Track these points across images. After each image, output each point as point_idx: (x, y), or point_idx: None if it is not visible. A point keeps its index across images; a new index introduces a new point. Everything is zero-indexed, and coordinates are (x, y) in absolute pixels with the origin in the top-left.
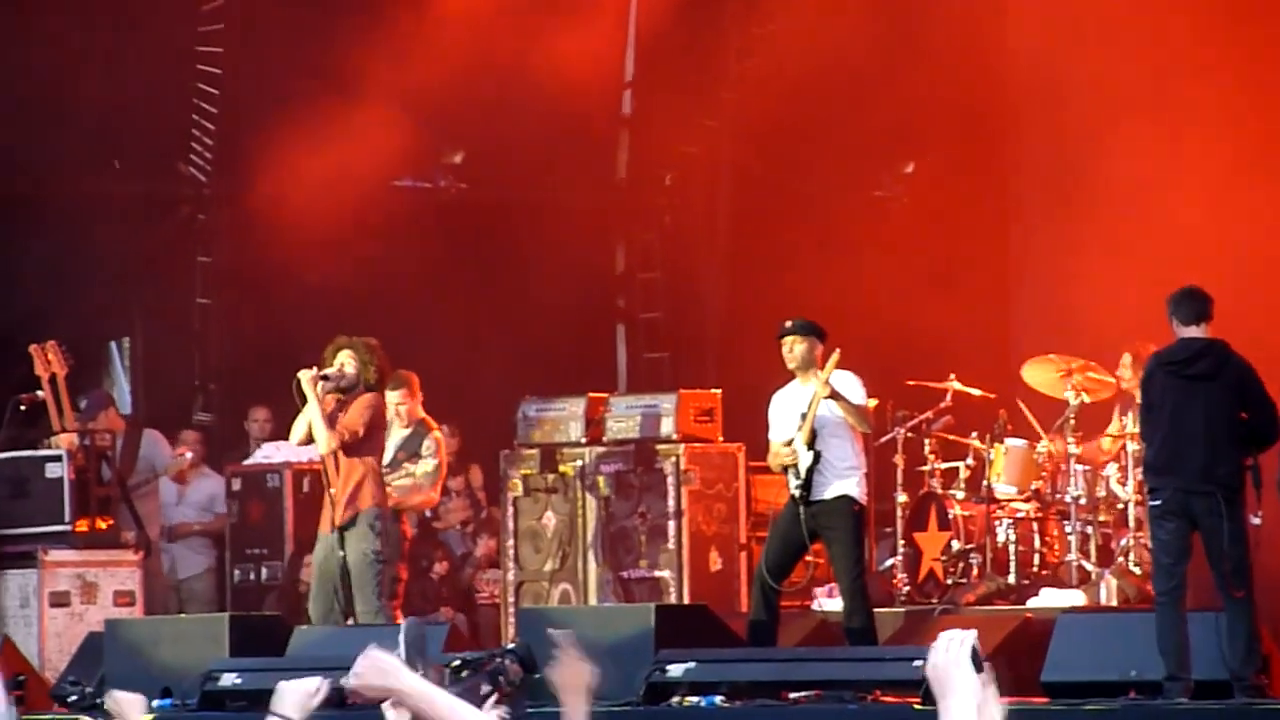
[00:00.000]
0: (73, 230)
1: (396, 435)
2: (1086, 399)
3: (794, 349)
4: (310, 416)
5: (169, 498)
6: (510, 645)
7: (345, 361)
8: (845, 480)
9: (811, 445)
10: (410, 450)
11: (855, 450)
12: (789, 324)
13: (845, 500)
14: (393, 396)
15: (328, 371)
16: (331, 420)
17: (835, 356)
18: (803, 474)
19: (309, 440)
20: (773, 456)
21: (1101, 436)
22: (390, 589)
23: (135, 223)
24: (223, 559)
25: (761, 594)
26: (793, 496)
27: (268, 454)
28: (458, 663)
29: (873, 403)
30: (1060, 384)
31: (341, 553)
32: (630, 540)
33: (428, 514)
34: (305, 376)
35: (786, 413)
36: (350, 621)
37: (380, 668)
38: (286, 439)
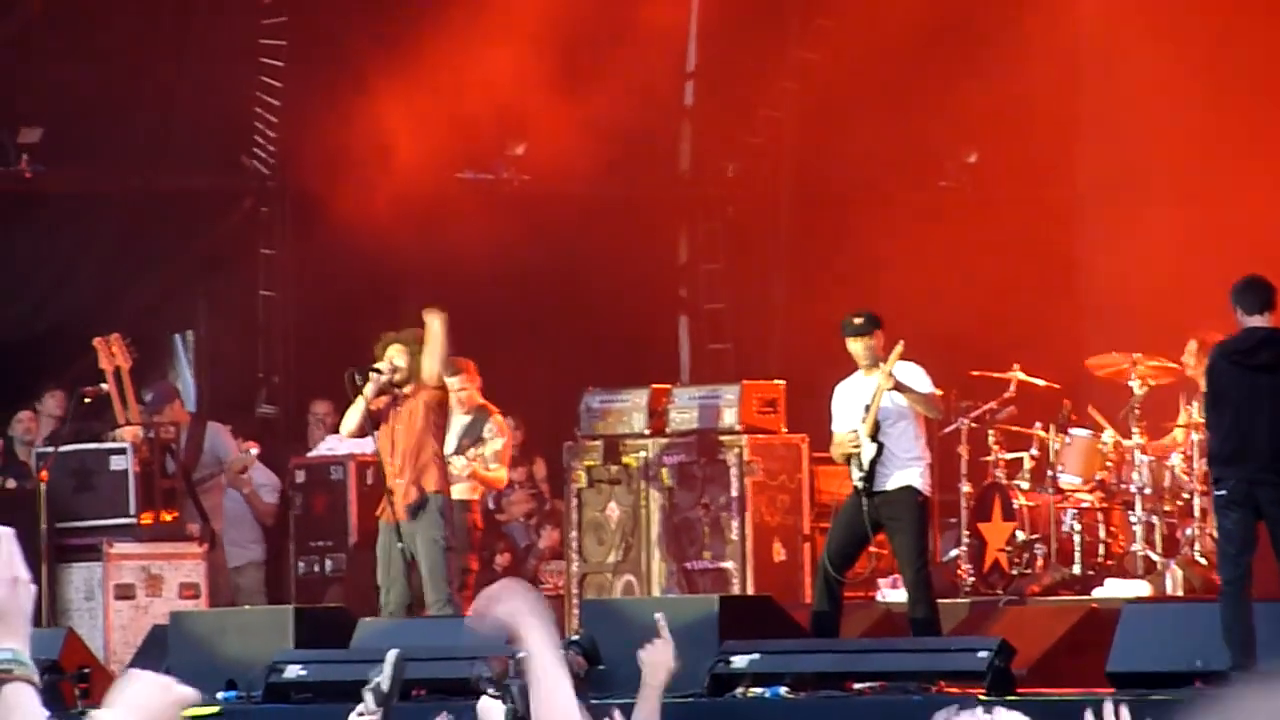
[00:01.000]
0: (137, 223)
1: (458, 423)
2: (1151, 383)
3: (870, 344)
4: (357, 408)
5: None
6: (575, 637)
7: (395, 356)
8: (909, 470)
9: (875, 437)
10: (473, 436)
11: (919, 441)
12: (857, 321)
13: (909, 491)
14: (452, 383)
15: (379, 366)
16: (382, 415)
17: (899, 348)
18: (865, 465)
19: (361, 433)
20: (836, 446)
21: (1173, 428)
22: (460, 579)
23: (199, 216)
24: (272, 551)
25: (825, 585)
26: (856, 488)
27: (331, 446)
28: (522, 654)
29: (938, 392)
30: (1124, 374)
31: (400, 544)
32: (694, 531)
33: (490, 505)
34: (357, 372)
35: (850, 403)
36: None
37: (516, 609)
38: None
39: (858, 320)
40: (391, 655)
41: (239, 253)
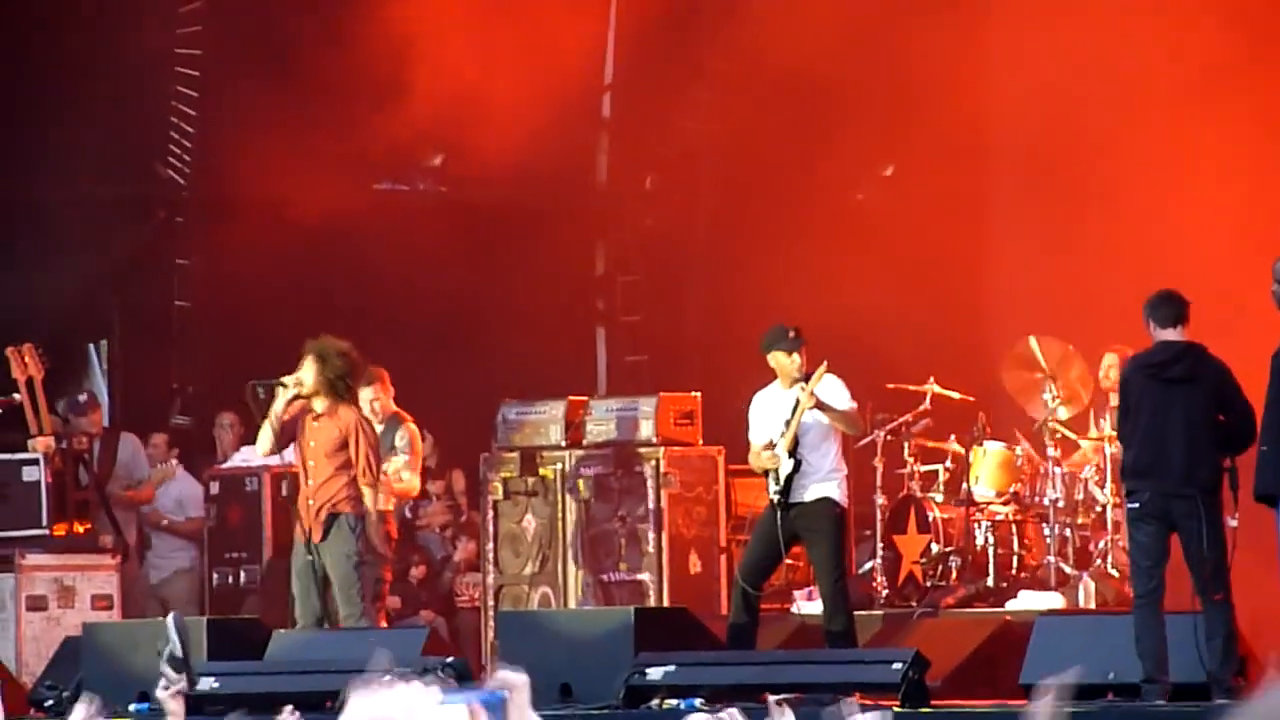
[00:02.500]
0: (50, 233)
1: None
2: (1063, 412)
3: (794, 360)
4: (268, 420)
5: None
6: (448, 660)
7: (304, 373)
8: (827, 483)
9: (793, 453)
10: (386, 445)
11: (837, 454)
12: (790, 335)
13: (827, 503)
14: (365, 394)
15: (285, 380)
16: (288, 429)
17: (823, 368)
18: (782, 480)
19: (275, 451)
20: (753, 458)
21: (1083, 440)
22: (375, 590)
23: (113, 225)
24: (200, 561)
25: (742, 597)
26: (772, 501)
27: (246, 457)
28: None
29: (856, 406)
30: (1037, 387)
31: (310, 557)
32: (610, 543)
33: (407, 514)
34: (259, 386)
35: (768, 415)
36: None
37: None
38: (254, 444)
39: (791, 334)
40: (170, 619)
41: (153, 262)
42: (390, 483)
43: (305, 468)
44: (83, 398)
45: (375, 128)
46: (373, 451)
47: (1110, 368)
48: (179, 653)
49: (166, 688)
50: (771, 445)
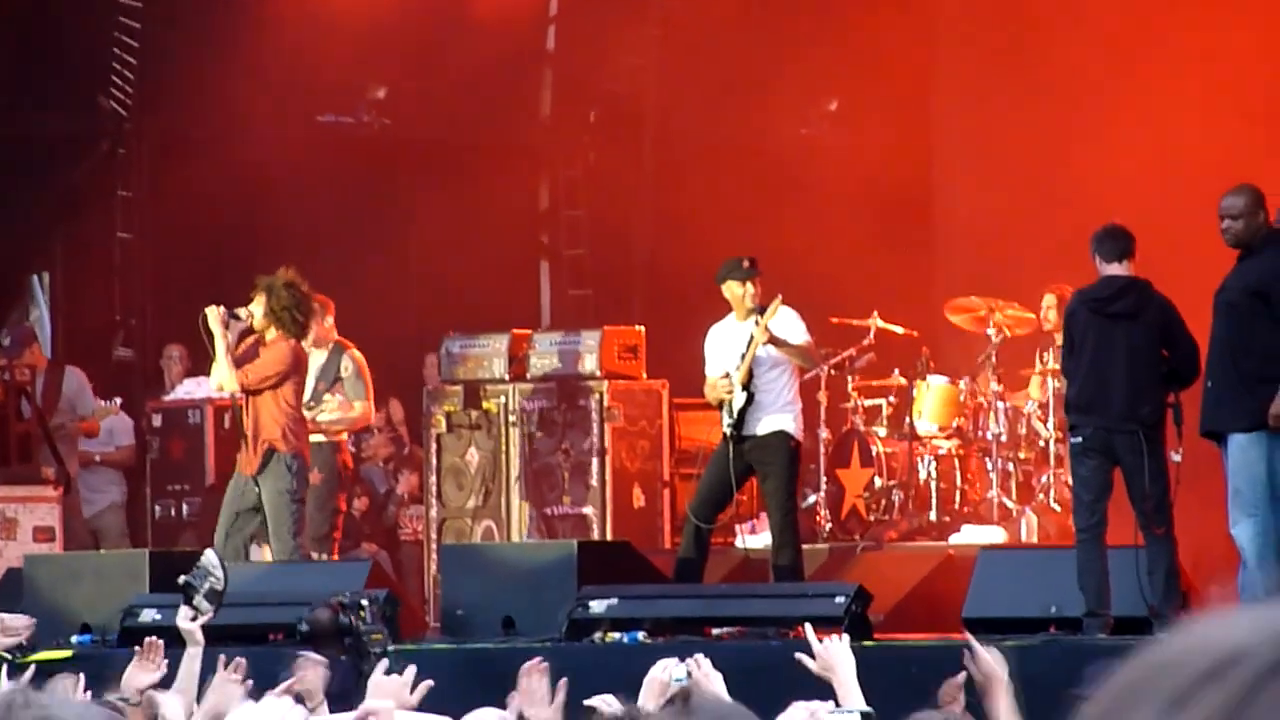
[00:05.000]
0: None
1: (314, 361)
2: (1008, 334)
3: (748, 290)
4: (217, 355)
5: None
6: (342, 598)
7: (256, 306)
8: (782, 416)
9: (746, 386)
10: (330, 375)
11: (792, 387)
12: (745, 265)
13: (781, 436)
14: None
15: (238, 311)
16: (239, 362)
17: (776, 302)
18: (735, 413)
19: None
20: (709, 389)
21: (1030, 376)
22: (330, 522)
23: (55, 158)
24: (131, 493)
25: (694, 532)
26: (725, 435)
27: (189, 390)
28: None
29: (812, 340)
30: (982, 322)
31: (257, 489)
32: (554, 477)
33: (351, 448)
34: (212, 315)
35: (723, 347)
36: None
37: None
38: (204, 374)
39: (745, 264)
40: (210, 553)
41: (96, 195)
42: (342, 414)
43: (248, 399)
44: (22, 330)
45: (318, 59)
46: (274, 372)
47: (1049, 308)
48: (220, 586)
49: (194, 618)
50: (727, 377)
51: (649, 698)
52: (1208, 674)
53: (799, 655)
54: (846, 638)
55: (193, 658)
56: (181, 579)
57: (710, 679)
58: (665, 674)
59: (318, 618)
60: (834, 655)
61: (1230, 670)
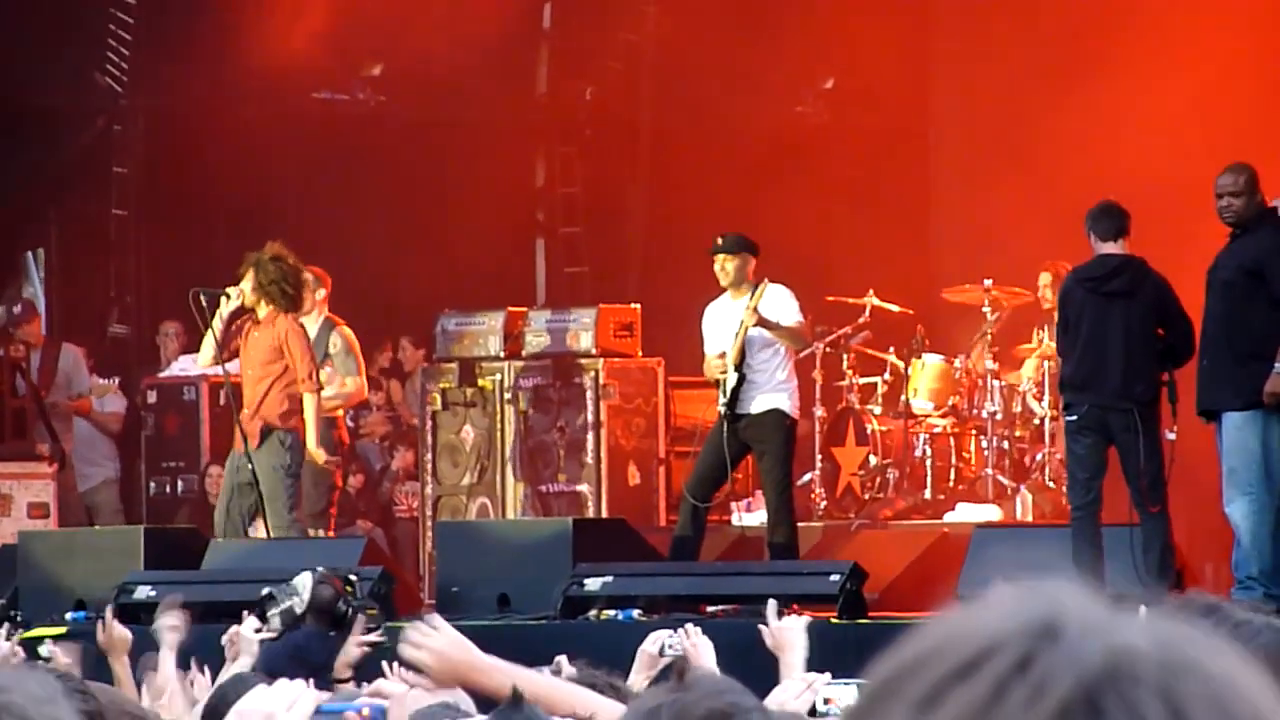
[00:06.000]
0: None
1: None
2: (1005, 306)
3: (725, 266)
4: (209, 339)
5: None
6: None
7: (245, 282)
8: (777, 394)
9: (740, 366)
10: (319, 351)
11: (786, 365)
12: (720, 240)
13: (777, 414)
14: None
15: (228, 290)
16: (230, 340)
17: (763, 287)
18: (728, 393)
19: (216, 363)
20: (707, 368)
21: (1025, 355)
22: (326, 498)
23: (51, 133)
24: (126, 470)
25: (690, 510)
26: (720, 414)
27: (184, 366)
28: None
29: (803, 320)
30: (978, 300)
31: (250, 465)
32: (549, 454)
33: (349, 423)
34: (204, 294)
35: (719, 326)
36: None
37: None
38: (197, 351)
39: (720, 240)
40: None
41: (91, 171)
42: (337, 392)
43: (244, 376)
44: (19, 307)
45: (313, 36)
46: (308, 356)
47: (1045, 286)
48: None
49: (259, 630)
50: (722, 356)
51: (640, 670)
52: (956, 672)
53: (760, 627)
54: (805, 619)
55: (166, 659)
56: (266, 589)
57: (700, 649)
58: (655, 646)
59: (320, 593)
60: (787, 634)
61: (979, 667)
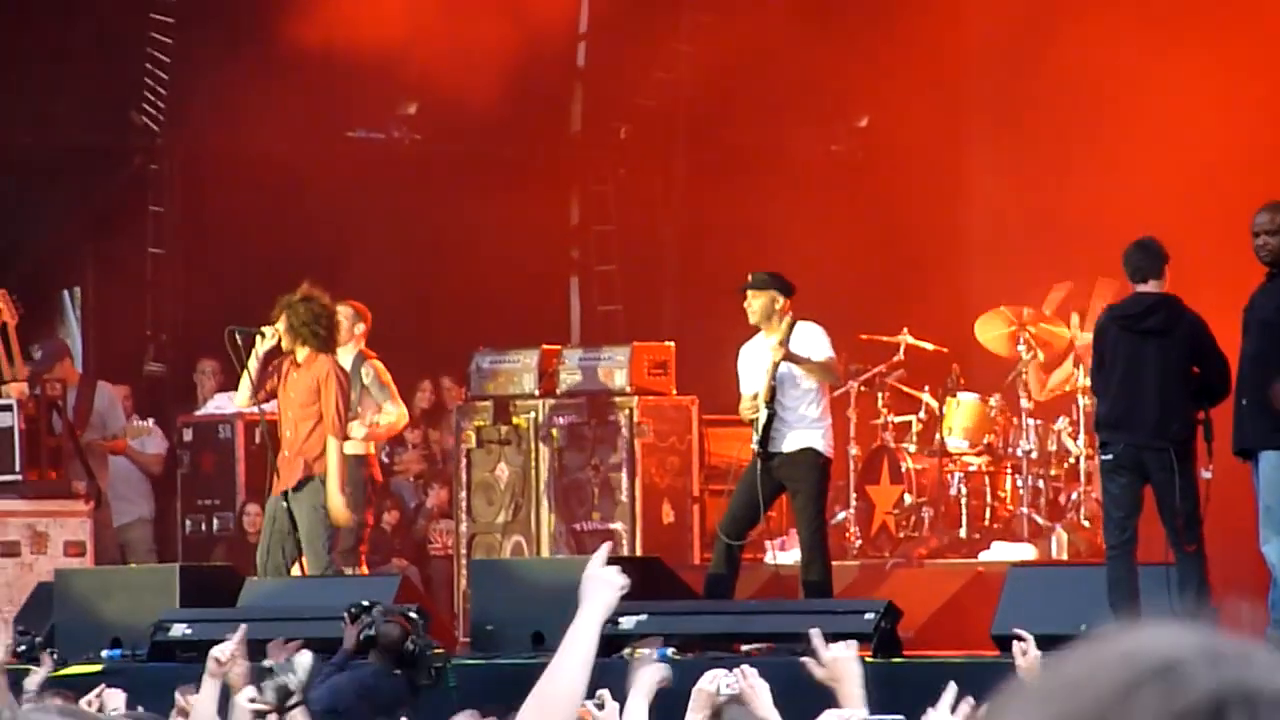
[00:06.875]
0: (24, 179)
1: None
2: (1041, 357)
3: (752, 304)
4: (246, 369)
5: None
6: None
7: (281, 324)
8: (811, 432)
9: (771, 403)
10: (356, 387)
11: (820, 403)
12: (748, 278)
13: (810, 453)
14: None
15: (264, 329)
16: (267, 380)
17: (786, 322)
18: (760, 430)
19: (254, 403)
20: (742, 408)
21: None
22: (357, 535)
23: (87, 172)
24: (162, 508)
25: (724, 548)
26: (755, 453)
27: (220, 404)
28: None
29: (834, 356)
30: (1011, 339)
31: (286, 505)
32: (583, 492)
33: (384, 459)
34: (239, 332)
35: (753, 365)
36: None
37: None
38: (234, 390)
39: (749, 277)
40: (303, 659)
41: (127, 210)
42: (374, 430)
43: (284, 418)
44: (55, 344)
45: (349, 74)
46: (342, 401)
47: (1075, 326)
48: (292, 689)
49: (253, 701)
50: (756, 396)
51: (697, 710)
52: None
53: (805, 660)
54: (855, 644)
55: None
56: (269, 661)
57: (757, 690)
58: (712, 685)
59: (388, 632)
60: (841, 664)
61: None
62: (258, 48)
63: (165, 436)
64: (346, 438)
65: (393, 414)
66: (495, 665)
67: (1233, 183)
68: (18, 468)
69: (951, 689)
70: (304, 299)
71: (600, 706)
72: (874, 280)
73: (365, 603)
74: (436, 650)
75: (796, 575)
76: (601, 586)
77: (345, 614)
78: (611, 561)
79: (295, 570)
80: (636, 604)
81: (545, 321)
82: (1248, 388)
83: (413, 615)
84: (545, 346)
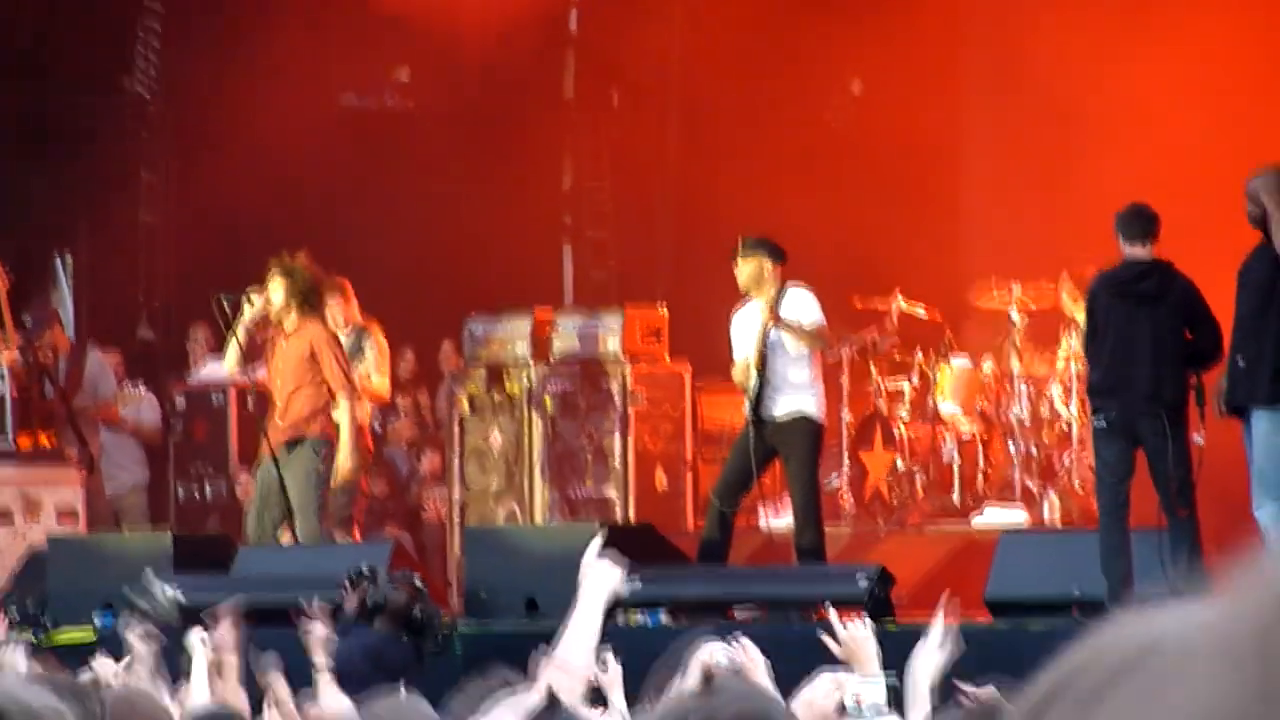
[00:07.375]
0: (16, 146)
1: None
2: (1032, 308)
3: (741, 269)
4: (234, 336)
5: None
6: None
7: (272, 287)
8: (802, 396)
9: (762, 369)
10: (353, 354)
11: (811, 368)
12: (738, 244)
13: (802, 418)
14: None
15: (251, 296)
16: (255, 347)
17: (772, 286)
18: (752, 396)
19: (241, 369)
20: (734, 374)
21: (1053, 359)
22: (343, 509)
23: (80, 138)
24: (155, 476)
25: (717, 515)
26: (747, 419)
27: (212, 371)
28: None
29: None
30: (1005, 303)
31: (277, 473)
32: (576, 459)
33: (376, 429)
34: (225, 298)
35: (744, 331)
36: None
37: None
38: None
39: (739, 242)
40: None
41: (119, 177)
42: (363, 389)
43: (274, 386)
44: (45, 311)
45: (341, 41)
46: (341, 360)
47: (1066, 291)
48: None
49: (309, 632)
50: (749, 361)
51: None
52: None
53: (823, 635)
54: (869, 620)
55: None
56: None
57: (755, 662)
58: (711, 657)
59: (395, 598)
60: (858, 640)
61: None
62: (249, 15)
63: (158, 403)
64: (358, 392)
65: (375, 384)
66: (488, 631)
67: (1229, 148)
68: (10, 434)
69: (939, 623)
70: (305, 266)
71: (604, 669)
72: (867, 245)
73: (364, 569)
74: (443, 618)
75: (789, 540)
76: (599, 574)
77: (345, 580)
78: (605, 528)
79: (285, 537)
80: (630, 570)
81: (538, 287)
82: (1244, 346)
83: (417, 582)
84: (538, 312)
